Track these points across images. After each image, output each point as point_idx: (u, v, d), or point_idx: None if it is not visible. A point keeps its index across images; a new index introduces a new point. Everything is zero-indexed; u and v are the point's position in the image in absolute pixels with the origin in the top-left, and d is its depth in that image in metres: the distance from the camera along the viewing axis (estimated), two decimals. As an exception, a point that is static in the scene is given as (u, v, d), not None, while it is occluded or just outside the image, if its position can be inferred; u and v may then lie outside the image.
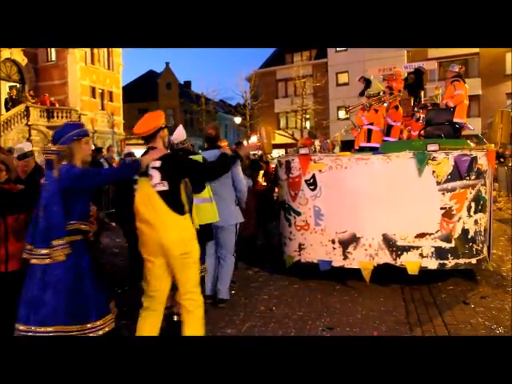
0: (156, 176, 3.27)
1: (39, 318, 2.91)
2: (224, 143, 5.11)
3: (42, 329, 2.91)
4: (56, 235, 2.94)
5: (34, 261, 2.99)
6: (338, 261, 5.37)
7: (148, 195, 3.24)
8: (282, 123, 36.08)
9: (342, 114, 31.78)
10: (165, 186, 3.25)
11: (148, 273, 3.33)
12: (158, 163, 3.27)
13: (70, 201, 3.03)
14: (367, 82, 8.88)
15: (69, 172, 3.01)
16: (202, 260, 4.07)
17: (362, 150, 7.74)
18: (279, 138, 32.55)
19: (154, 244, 3.22)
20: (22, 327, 2.93)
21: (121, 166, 3.30)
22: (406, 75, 10.33)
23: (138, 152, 7.82)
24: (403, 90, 8.89)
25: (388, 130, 8.25)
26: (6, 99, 23.76)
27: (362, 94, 8.90)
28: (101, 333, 3.04)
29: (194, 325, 3.29)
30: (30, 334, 2.90)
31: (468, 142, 6.44)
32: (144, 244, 3.30)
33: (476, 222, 5.19)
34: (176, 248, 3.19)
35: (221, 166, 3.66)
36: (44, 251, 2.95)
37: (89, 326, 3.00)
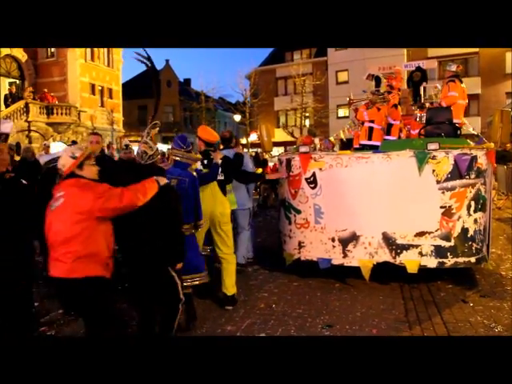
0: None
1: (188, 268, 3.93)
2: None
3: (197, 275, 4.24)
4: (200, 216, 4.26)
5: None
6: (337, 259, 5.39)
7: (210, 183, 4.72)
8: (282, 121, 36.03)
9: (341, 112, 31.79)
10: (222, 177, 4.92)
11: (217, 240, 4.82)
12: (219, 161, 4.81)
13: None
14: (377, 80, 8.76)
15: (200, 173, 4.53)
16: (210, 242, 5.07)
17: (362, 147, 7.73)
18: (279, 136, 32.52)
19: (208, 215, 4.61)
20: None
21: (212, 168, 4.75)
22: (406, 74, 10.27)
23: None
24: (407, 87, 8.78)
25: (388, 129, 8.24)
26: (5, 95, 23.67)
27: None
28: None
29: (231, 273, 4.82)
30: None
31: (468, 141, 6.44)
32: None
33: (475, 220, 5.20)
34: (223, 218, 4.75)
35: (250, 177, 6.16)
36: (187, 226, 4.05)
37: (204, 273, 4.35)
